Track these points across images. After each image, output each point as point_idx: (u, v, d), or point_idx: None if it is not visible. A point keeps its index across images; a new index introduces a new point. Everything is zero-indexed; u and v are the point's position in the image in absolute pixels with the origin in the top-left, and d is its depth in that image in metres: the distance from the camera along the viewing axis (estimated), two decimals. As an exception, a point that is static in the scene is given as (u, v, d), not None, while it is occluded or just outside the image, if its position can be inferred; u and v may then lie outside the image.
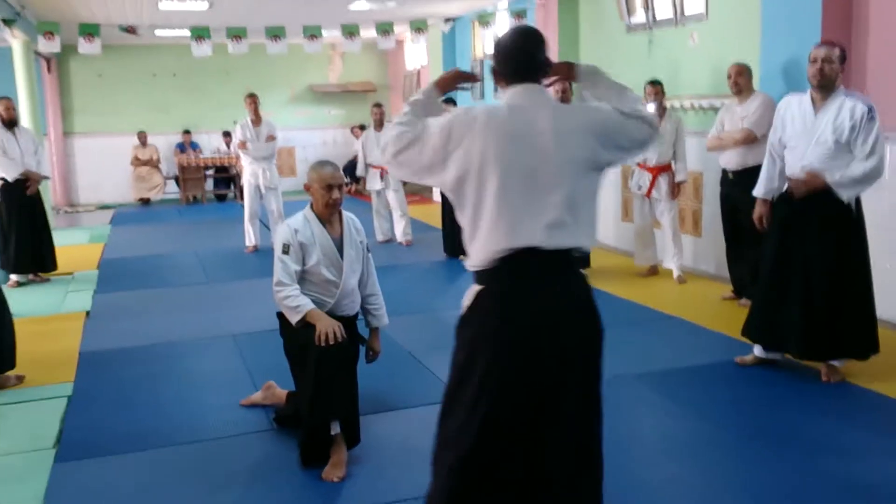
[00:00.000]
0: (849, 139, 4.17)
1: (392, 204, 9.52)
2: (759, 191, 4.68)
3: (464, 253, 8.25)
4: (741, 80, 5.85)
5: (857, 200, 4.36)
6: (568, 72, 2.58)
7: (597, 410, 2.43)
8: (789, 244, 4.42)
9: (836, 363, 4.48)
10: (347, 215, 3.90)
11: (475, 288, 2.43)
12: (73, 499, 3.44)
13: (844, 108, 4.20)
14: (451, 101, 8.53)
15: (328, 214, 3.76)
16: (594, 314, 2.42)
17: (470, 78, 2.67)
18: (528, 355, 2.31)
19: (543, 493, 2.35)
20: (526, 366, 2.31)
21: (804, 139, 4.31)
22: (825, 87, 4.26)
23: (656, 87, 6.82)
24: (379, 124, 9.49)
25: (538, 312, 2.32)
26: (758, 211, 4.70)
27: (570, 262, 2.39)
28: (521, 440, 2.32)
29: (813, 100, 4.33)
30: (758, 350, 4.71)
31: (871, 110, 4.17)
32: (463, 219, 2.44)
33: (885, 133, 5.35)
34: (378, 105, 9.63)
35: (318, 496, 3.39)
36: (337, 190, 3.71)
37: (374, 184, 9.55)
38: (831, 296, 4.31)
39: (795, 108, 4.41)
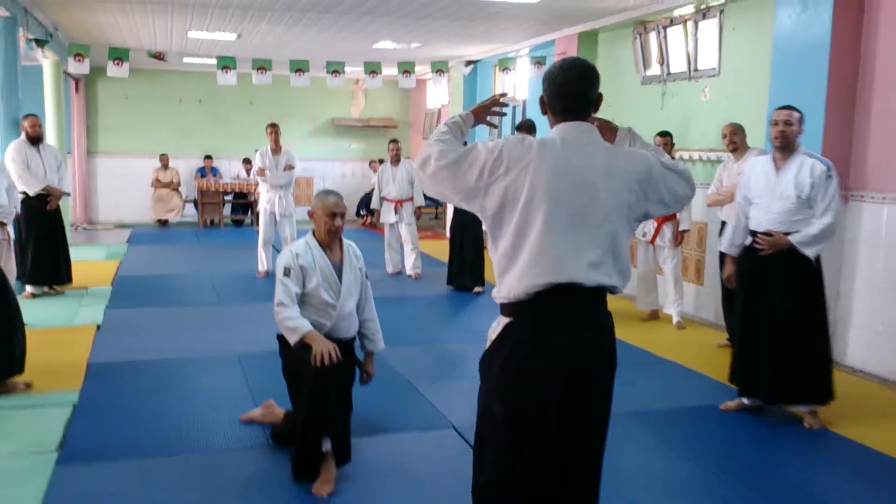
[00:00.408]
0: (809, 195, 4.42)
1: (404, 237, 9.69)
2: (724, 245, 4.88)
3: (467, 286, 8.35)
4: (736, 139, 6.12)
5: (818, 256, 4.57)
6: (608, 133, 2.59)
7: (604, 438, 2.50)
8: (756, 295, 4.63)
9: (803, 408, 4.61)
10: (347, 243, 4.06)
11: (503, 320, 2.41)
12: (72, 501, 3.56)
13: (805, 167, 4.45)
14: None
15: (329, 241, 3.93)
16: (614, 350, 2.48)
17: (501, 108, 2.70)
18: (560, 389, 2.33)
19: None
20: (558, 400, 2.33)
21: (767, 195, 4.54)
22: (786, 147, 4.52)
23: (665, 139, 6.98)
24: (395, 160, 9.70)
25: (572, 346, 2.33)
26: (727, 270, 4.90)
27: (602, 298, 2.42)
28: (548, 467, 2.36)
29: (774, 160, 4.58)
30: (743, 397, 4.82)
31: (829, 169, 4.43)
32: (497, 248, 2.40)
33: (881, 194, 5.54)
34: (395, 141, 9.85)
35: (306, 510, 3.51)
36: (339, 218, 3.88)
37: (387, 217, 9.74)
38: (795, 344, 4.51)
39: (759, 168, 4.66)
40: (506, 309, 2.40)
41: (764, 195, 4.57)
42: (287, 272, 3.82)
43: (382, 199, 9.80)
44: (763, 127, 6.24)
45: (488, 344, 2.44)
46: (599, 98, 2.47)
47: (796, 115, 4.54)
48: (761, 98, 6.47)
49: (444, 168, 2.38)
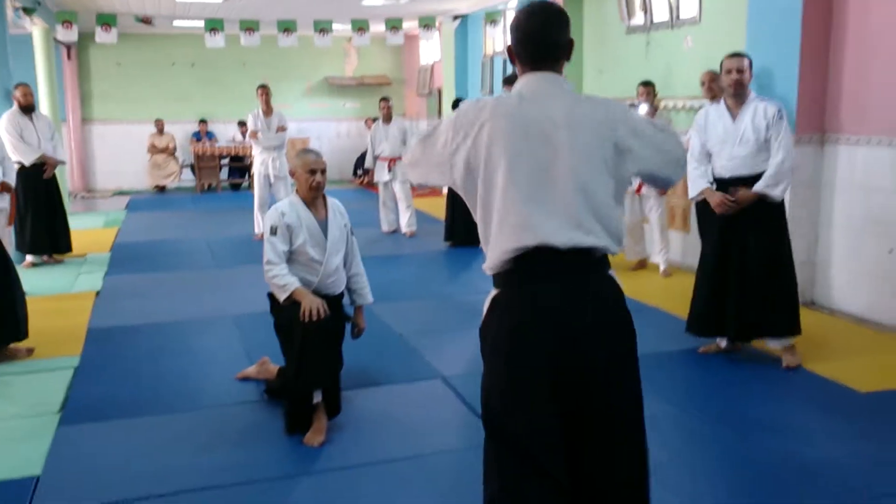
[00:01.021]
0: (766, 137, 4.56)
1: (398, 195, 9.80)
2: (693, 193, 4.92)
3: (463, 241, 8.46)
4: (714, 86, 6.19)
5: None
6: None
7: (636, 424, 2.25)
8: (728, 240, 4.74)
9: (779, 344, 4.77)
10: (332, 200, 4.18)
11: (492, 292, 2.27)
12: (74, 457, 3.75)
13: (759, 110, 4.59)
14: (460, 102, 8.82)
15: (312, 198, 4.04)
16: (623, 320, 2.21)
17: None
18: (545, 368, 2.12)
19: None
20: (545, 381, 2.12)
21: (728, 142, 4.66)
22: (740, 94, 4.64)
23: (648, 88, 7.06)
24: (387, 118, 9.76)
25: (553, 321, 2.12)
26: (716, 198, 4.72)
27: (593, 263, 2.18)
28: (555, 455, 2.13)
29: (728, 107, 4.69)
30: (720, 340, 4.97)
31: (780, 110, 4.58)
32: (476, 218, 2.27)
33: (854, 136, 5.64)
34: (385, 99, 9.90)
35: (298, 458, 3.69)
36: (319, 174, 4.00)
37: (381, 175, 9.83)
38: (766, 283, 4.65)
39: (714, 115, 4.77)
40: (494, 280, 2.27)
41: (724, 142, 4.69)
42: (274, 231, 3.95)
43: (376, 157, 9.88)
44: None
45: (482, 317, 2.30)
46: (570, 44, 2.28)
47: (746, 61, 4.65)
48: (740, 45, 6.51)
49: (416, 146, 2.36)
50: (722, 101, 4.76)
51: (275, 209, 4.04)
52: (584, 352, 2.13)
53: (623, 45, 8.69)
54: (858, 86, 5.73)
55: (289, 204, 4.04)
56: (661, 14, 8.02)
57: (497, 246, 2.19)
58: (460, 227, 8.78)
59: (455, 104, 8.82)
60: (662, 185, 2.46)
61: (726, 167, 4.71)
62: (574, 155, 2.15)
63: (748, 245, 4.68)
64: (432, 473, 3.53)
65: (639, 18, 8.41)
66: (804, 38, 5.78)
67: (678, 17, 7.76)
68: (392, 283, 6.94)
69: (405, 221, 9.80)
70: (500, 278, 2.23)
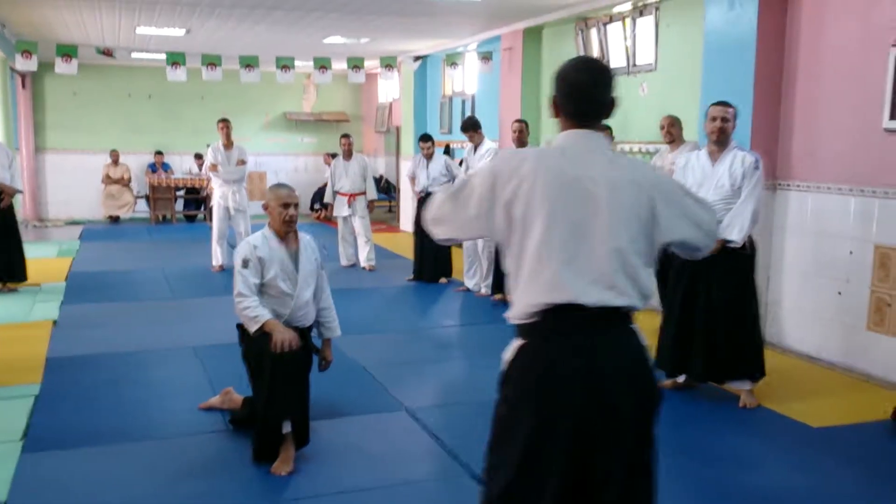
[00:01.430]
0: (740, 185, 4.73)
1: (357, 230, 9.87)
2: None
3: (430, 278, 8.52)
4: (674, 131, 6.45)
5: (752, 242, 4.87)
6: None
7: (649, 478, 2.28)
8: (695, 286, 4.90)
9: (739, 386, 4.91)
10: (304, 235, 4.25)
11: (516, 342, 2.28)
12: (40, 484, 3.72)
13: (737, 159, 4.77)
14: (429, 138, 8.97)
15: (285, 232, 4.10)
16: (647, 375, 2.26)
17: None
18: (571, 418, 2.14)
19: None
20: (569, 429, 2.14)
21: (704, 185, 4.82)
22: (723, 142, 4.82)
23: (605, 132, 7.26)
24: (348, 154, 9.85)
25: (582, 373, 2.14)
26: None
27: (619, 319, 2.21)
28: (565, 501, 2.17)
29: (710, 152, 4.88)
30: (679, 377, 5.11)
31: (757, 161, 4.76)
32: (507, 266, 2.28)
33: (805, 183, 5.89)
34: (346, 136, 10.00)
35: (266, 488, 3.71)
36: (293, 207, 4.07)
37: (341, 210, 9.89)
38: (731, 330, 4.81)
39: (694, 161, 4.97)
40: (517, 330, 2.28)
41: (701, 186, 4.83)
42: (245, 264, 3.99)
43: (335, 192, 9.95)
44: (696, 120, 6.58)
45: (503, 365, 2.32)
46: (613, 103, 2.29)
47: (731, 110, 4.81)
48: (694, 92, 6.80)
49: (445, 203, 2.31)
50: (705, 148, 4.93)
51: (246, 242, 4.09)
52: (612, 404, 2.16)
53: (581, 90, 8.93)
54: (808, 135, 6.01)
55: (261, 237, 4.09)
56: (618, 61, 8.30)
57: (525, 298, 2.20)
58: (429, 265, 8.92)
59: (423, 138, 8.97)
60: (692, 251, 2.41)
61: None
62: (611, 214, 2.15)
63: (713, 292, 4.82)
64: (401, 503, 3.58)
65: (596, 64, 8.68)
66: (757, 88, 6.06)
67: (634, 63, 8.04)
68: (354, 316, 6.99)
69: (364, 255, 9.86)
70: (526, 329, 2.23)
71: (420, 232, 8.99)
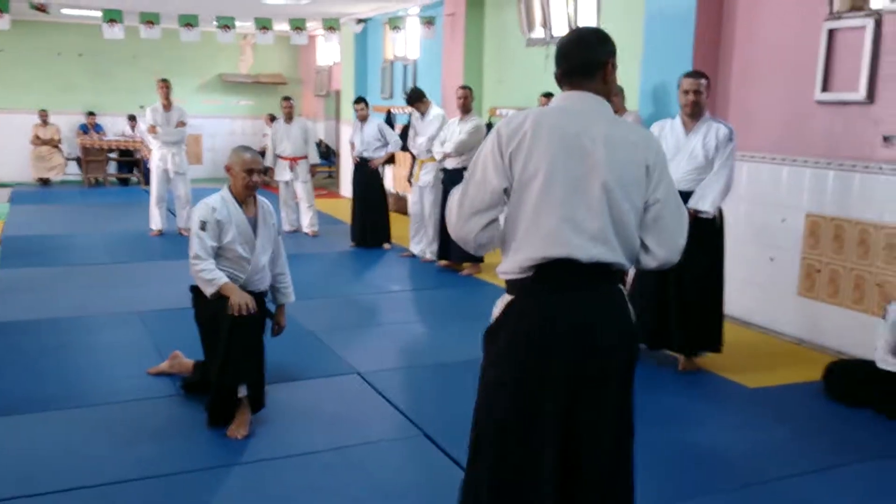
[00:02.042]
0: (713, 156, 4.82)
1: (300, 195, 9.81)
2: None
3: (371, 243, 8.59)
4: (617, 100, 6.50)
5: (721, 214, 4.98)
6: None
7: (630, 426, 2.41)
8: None
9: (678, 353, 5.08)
10: (261, 199, 4.24)
11: (506, 297, 2.35)
12: (-10, 451, 3.69)
13: (711, 130, 4.84)
14: (362, 100, 8.95)
15: (245, 196, 4.10)
16: (632, 332, 2.37)
17: None
18: (561, 365, 2.24)
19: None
20: (559, 376, 2.24)
21: (677, 156, 4.89)
22: (696, 114, 4.88)
23: (549, 99, 7.38)
24: (289, 117, 9.76)
25: (573, 324, 2.24)
26: None
27: (608, 276, 2.29)
28: (554, 450, 2.27)
29: (684, 122, 4.95)
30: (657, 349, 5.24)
31: (731, 133, 4.85)
32: (502, 222, 2.33)
33: (740, 152, 6.08)
34: (287, 98, 9.89)
35: (222, 451, 3.75)
36: (257, 174, 4.06)
37: (282, 175, 9.82)
38: (700, 301, 4.93)
39: (668, 129, 5.01)
40: (508, 286, 2.35)
41: (674, 157, 4.86)
42: (203, 226, 3.97)
43: (277, 156, 9.87)
44: (637, 89, 6.71)
45: (492, 320, 2.38)
46: (607, 65, 2.35)
47: (704, 82, 4.84)
48: (635, 61, 6.92)
49: (465, 196, 2.32)
50: (678, 117, 4.96)
51: (205, 204, 4.05)
52: (602, 359, 2.27)
53: (523, 57, 9.02)
54: (744, 104, 6.20)
55: (220, 199, 4.06)
56: (560, 29, 8.39)
57: (520, 253, 2.26)
58: (371, 231, 8.97)
59: (357, 101, 8.98)
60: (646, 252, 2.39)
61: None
62: (608, 172, 2.22)
63: (684, 263, 4.88)
64: (356, 464, 3.65)
65: (539, 32, 8.76)
66: (696, 59, 6.20)
67: (578, 32, 8.13)
68: (299, 281, 6.94)
69: (307, 221, 9.83)
70: (517, 284, 2.30)
71: (359, 197, 9.01)
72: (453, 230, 2.38)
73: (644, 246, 2.36)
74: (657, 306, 5.01)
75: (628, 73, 7.10)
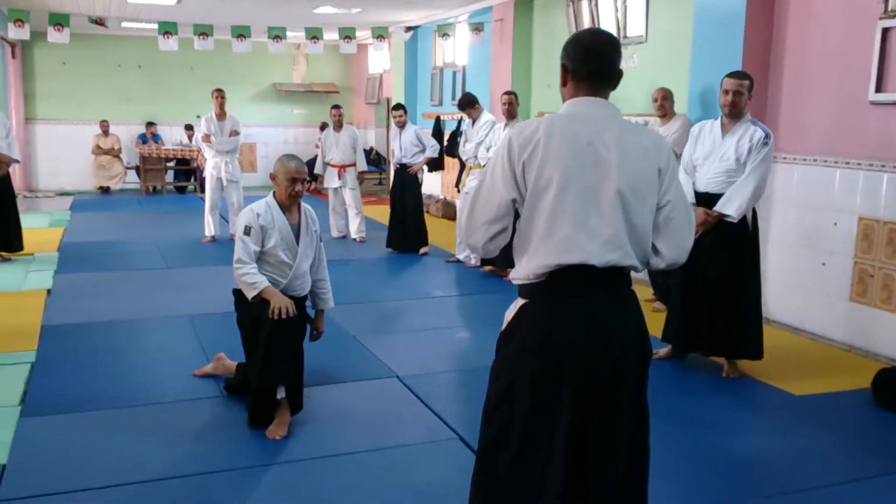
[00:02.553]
0: (745, 160, 4.68)
1: (348, 202, 9.91)
2: None
3: (409, 248, 8.65)
4: (666, 104, 6.45)
5: (754, 217, 4.87)
6: None
7: (646, 423, 2.40)
8: (695, 261, 4.92)
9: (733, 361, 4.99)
10: (305, 206, 4.31)
11: (519, 302, 2.37)
12: (39, 448, 3.79)
13: (747, 133, 4.70)
14: (400, 107, 9.05)
15: (289, 203, 4.17)
16: (645, 334, 2.39)
17: None
18: (576, 366, 2.25)
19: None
20: (574, 377, 2.25)
21: (711, 157, 4.81)
22: (735, 115, 4.76)
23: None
24: (338, 125, 9.86)
25: (586, 325, 2.25)
26: (699, 216, 4.77)
27: (622, 279, 2.32)
28: (565, 452, 2.27)
29: (723, 124, 4.83)
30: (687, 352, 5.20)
31: (766, 136, 4.69)
32: (516, 228, 2.35)
33: (791, 155, 5.96)
34: (337, 106, 10.00)
35: (262, 450, 3.80)
36: (300, 183, 4.13)
37: (331, 182, 9.93)
38: (729, 306, 4.84)
39: (707, 130, 4.91)
40: (521, 290, 2.37)
41: (708, 157, 4.81)
42: (247, 231, 4.06)
43: (326, 164, 9.98)
44: (685, 93, 6.64)
45: (504, 325, 2.41)
46: (621, 73, 2.39)
47: (746, 83, 4.71)
48: (685, 64, 6.85)
49: (475, 203, 2.34)
50: (719, 119, 4.85)
51: (250, 209, 4.14)
52: (615, 357, 2.27)
53: (572, 62, 8.96)
54: (795, 107, 6.08)
55: (265, 205, 4.15)
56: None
57: (536, 259, 2.27)
58: (408, 235, 9.03)
59: (395, 107, 9.09)
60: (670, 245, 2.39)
61: (701, 182, 4.83)
62: (622, 177, 2.23)
63: (709, 268, 4.81)
64: (392, 466, 3.67)
65: (587, 36, 8.70)
66: (745, 61, 6.10)
67: (625, 35, 8.07)
68: (343, 285, 7.07)
69: (355, 227, 9.92)
70: (531, 289, 2.32)
71: (398, 203, 9.08)
72: (463, 236, 2.43)
73: (654, 248, 2.37)
74: (685, 310, 4.96)
75: (677, 76, 7.05)
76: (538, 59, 9.75)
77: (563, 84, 2.39)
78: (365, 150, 10.76)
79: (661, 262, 2.39)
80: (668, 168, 2.33)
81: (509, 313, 2.39)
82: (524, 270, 2.31)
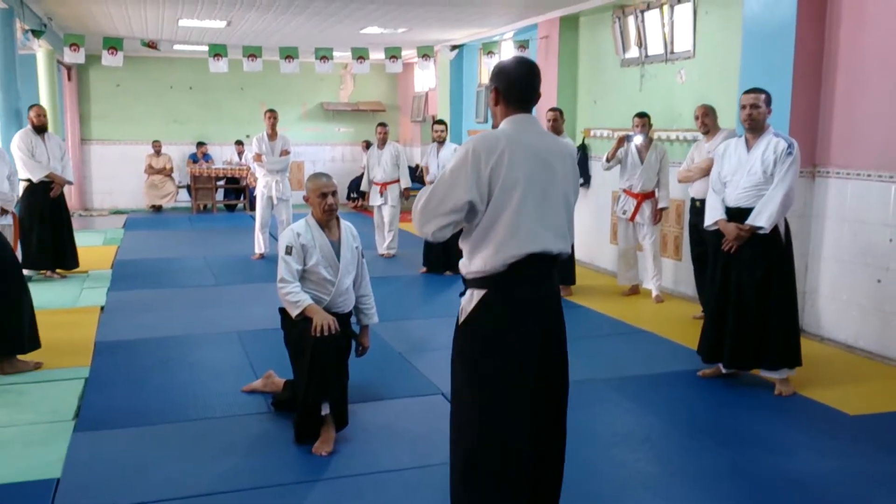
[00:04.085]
0: (772, 171, 4.71)
1: (385, 218, 9.97)
2: (709, 222, 5.08)
3: (448, 268, 8.61)
4: (707, 121, 6.41)
5: (787, 229, 4.87)
6: None
7: (566, 399, 2.87)
8: (729, 273, 4.92)
9: (773, 375, 4.91)
10: (345, 223, 4.36)
11: (477, 293, 2.70)
12: (91, 462, 3.87)
13: (770, 145, 4.75)
14: (442, 122, 9.13)
15: (326, 220, 4.22)
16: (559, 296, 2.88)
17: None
18: (538, 330, 2.68)
19: (544, 476, 2.81)
20: (540, 360, 2.69)
21: (738, 172, 4.84)
22: (755, 129, 4.82)
23: (643, 119, 7.28)
24: (382, 143, 9.94)
25: (542, 310, 2.71)
26: (731, 232, 4.83)
27: (557, 263, 2.76)
28: (532, 431, 2.72)
29: (746, 140, 4.89)
30: (721, 365, 5.11)
31: (790, 146, 4.72)
32: (471, 229, 2.67)
33: (844, 170, 5.85)
34: (383, 124, 10.09)
35: (308, 466, 3.83)
36: (331, 196, 4.18)
37: (375, 199, 10.00)
38: (760, 317, 4.81)
39: (732, 148, 4.97)
40: (478, 282, 2.69)
41: (735, 172, 4.86)
42: (289, 250, 4.12)
43: (371, 181, 10.06)
44: (734, 107, 6.55)
45: (463, 316, 2.74)
46: (539, 96, 2.82)
47: (763, 96, 4.80)
48: (733, 79, 6.77)
49: (431, 198, 2.63)
50: (743, 136, 4.93)
51: (290, 229, 4.20)
52: (559, 339, 2.78)
53: (618, 77, 8.94)
54: (848, 121, 5.96)
55: (304, 225, 4.21)
56: (655, 48, 8.28)
57: (501, 252, 2.62)
58: (442, 256, 8.81)
59: (437, 122, 9.20)
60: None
61: (731, 197, 4.88)
62: (563, 179, 2.75)
63: (742, 279, 4.84)
64: (437, 483, 3.65)
65: (633, 52, 8.67)
66: (796, 74, 6.02)
67: (672, 51, 8.02)
68: (389, 302, 7.10)
69: (386, 243, 9.97)
70: (490, 280, 2.66)
71: None
72: (415, 222, 2.72)
73: None
74: (717, 321, 4.96)
75: (726, 90, 6.98)
76: (584, 76, 9.72)
77: (495, 104, 2.78)
78: (410, 168, 10.81)
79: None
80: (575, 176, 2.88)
81: (468, 304, 2.72)
82: (488, 263, 2.63)
